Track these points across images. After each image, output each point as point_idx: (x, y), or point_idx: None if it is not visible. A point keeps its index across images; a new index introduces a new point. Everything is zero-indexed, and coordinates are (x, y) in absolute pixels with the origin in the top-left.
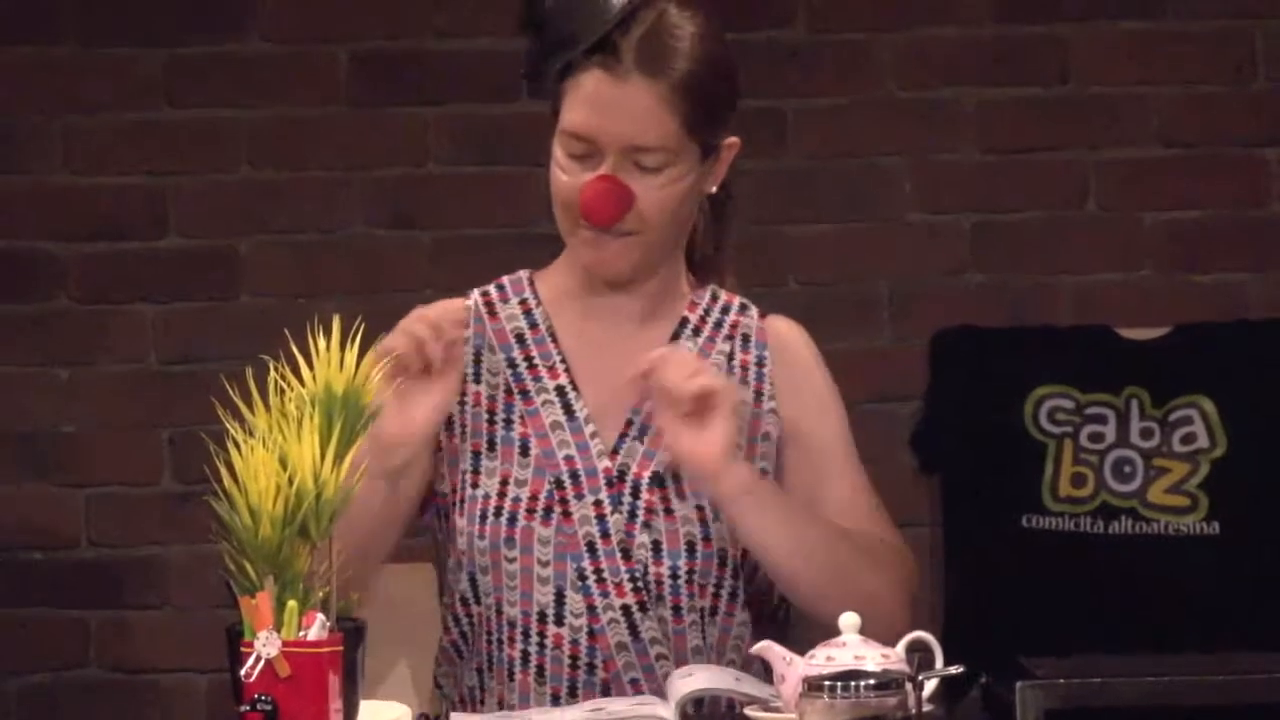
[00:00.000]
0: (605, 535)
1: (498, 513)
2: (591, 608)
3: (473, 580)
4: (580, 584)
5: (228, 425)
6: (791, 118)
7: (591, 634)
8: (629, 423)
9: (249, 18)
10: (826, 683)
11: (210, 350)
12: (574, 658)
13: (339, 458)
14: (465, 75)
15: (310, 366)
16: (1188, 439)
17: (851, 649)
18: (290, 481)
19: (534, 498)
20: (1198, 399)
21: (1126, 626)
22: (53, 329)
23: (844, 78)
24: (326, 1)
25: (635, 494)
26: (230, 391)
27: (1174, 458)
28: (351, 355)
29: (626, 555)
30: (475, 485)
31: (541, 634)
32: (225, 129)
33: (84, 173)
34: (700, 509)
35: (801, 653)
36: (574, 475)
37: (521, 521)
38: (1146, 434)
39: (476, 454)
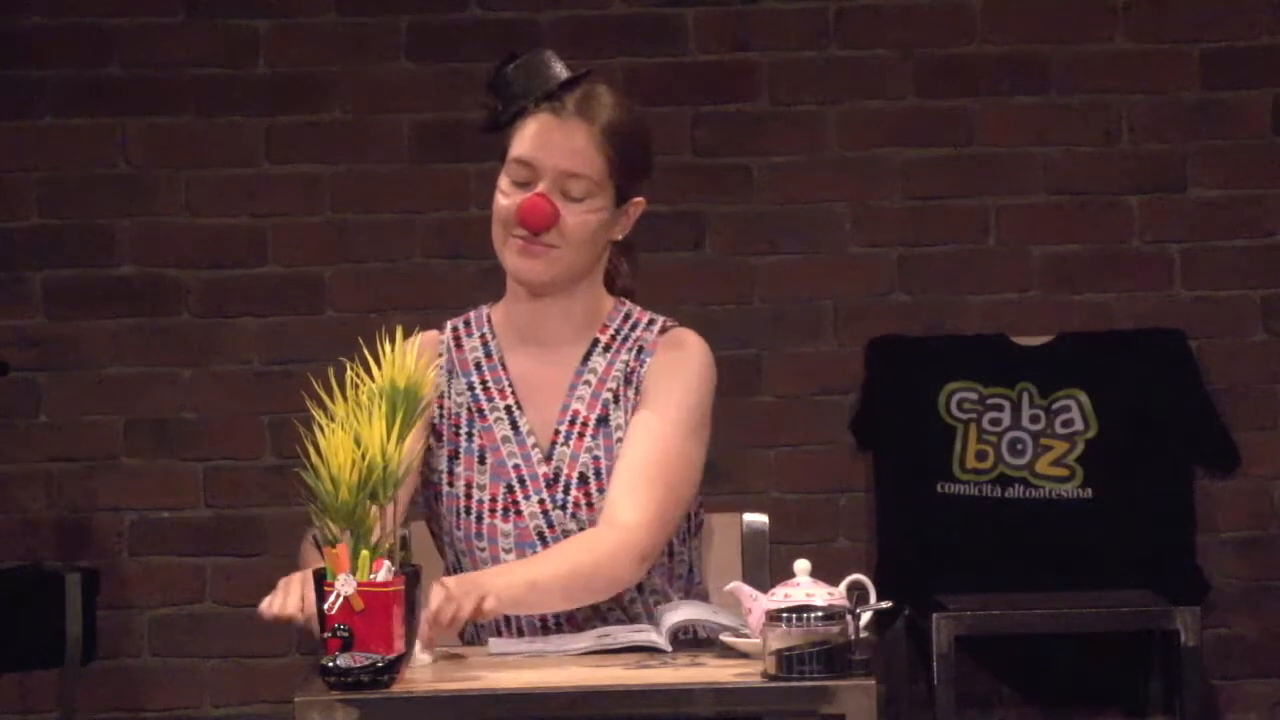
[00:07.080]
0: (551, 526)
1: (467, 512)
2: None
3: (457, 560)
4: None
5: (314, 413)
6: (757, 172)
7: None
8: (557, 431)
9: (331, 94)
10: (784, 614)
11: (300, 354)
12: (543, 620)
13: (401, 438)
14: (498, 139)
15: (379, 367)
16: (1067, 423)
17: (804, 588)
18: (363, 457)
19: (493, 499)
20: (1075, 392)
21: (1019, 570)
22: (177, 337)
23: (799, 140)
24: (392, 82)
25: (567, 491)
26: (316, 386)
27: (1056, 438)
28: (411, 358)
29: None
30: (450, 484)
31: None
32: (312, 181)
33: (202, 215)
34: None
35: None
36: (521, 480)
37: (486, 520)
38: (1035, 419)
39: (450, 457)
